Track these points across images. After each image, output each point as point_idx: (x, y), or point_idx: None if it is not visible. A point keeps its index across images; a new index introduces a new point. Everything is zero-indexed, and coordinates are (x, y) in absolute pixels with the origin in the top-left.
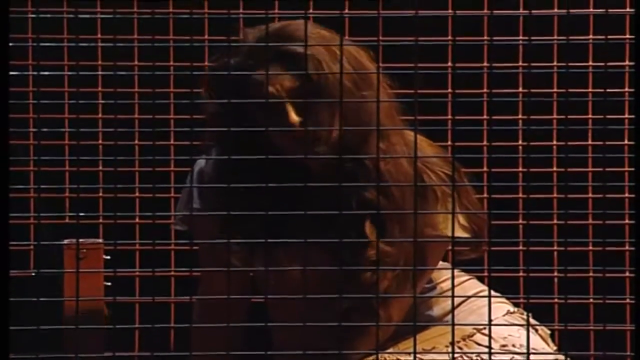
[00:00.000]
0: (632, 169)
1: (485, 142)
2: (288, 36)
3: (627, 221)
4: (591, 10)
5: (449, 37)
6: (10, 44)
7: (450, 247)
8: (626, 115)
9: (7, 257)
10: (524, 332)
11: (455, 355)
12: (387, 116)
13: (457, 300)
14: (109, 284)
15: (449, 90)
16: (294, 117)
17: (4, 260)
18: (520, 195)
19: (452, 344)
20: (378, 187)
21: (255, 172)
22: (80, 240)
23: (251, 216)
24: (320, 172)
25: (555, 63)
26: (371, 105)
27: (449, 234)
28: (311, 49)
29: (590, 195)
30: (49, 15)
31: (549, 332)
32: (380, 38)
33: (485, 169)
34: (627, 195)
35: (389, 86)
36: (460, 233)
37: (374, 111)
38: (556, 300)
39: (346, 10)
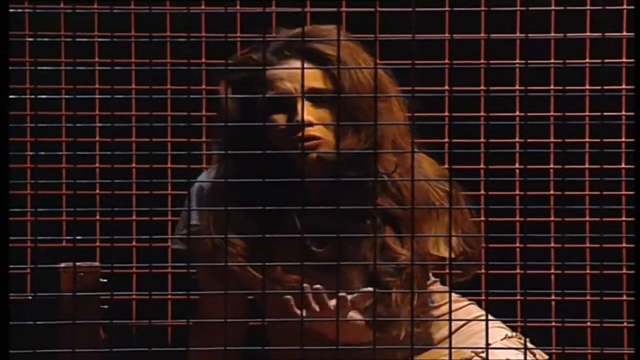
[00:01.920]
0: (630, 192)
1: (482, 165)
2: (317, 37)
3: (624, 245)
4: (588, 34)
5: (446, 60)
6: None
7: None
8: (623, 139)
9: (6, 281)
10: (522, 356)
11: None
12: (402, 135)
13: (456, 324)
14: (106, 307)
15: (446, 113)
16: (304, 116)
17: (3, 283)
18: (517, 218)
19: None
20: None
21: (259, 177)
22: (77, 263)
23: (251, 222)
24: (328, 183)
25: (552, 86)
26: (386, 120)
27: (435, 253)
28: (340, 54)
29: (587, 218)
30: (46, 39)
31: (546, 356)
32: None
33: (482, 191)
34: (624, 218)
35: (404, 108)
36: (445, 253)
37: (390, 128)
38: (553, 323)
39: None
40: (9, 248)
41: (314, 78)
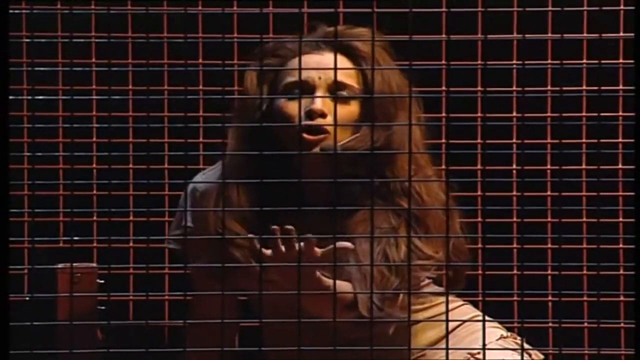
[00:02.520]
0: (626, 193)
1: (479, 166)
2: (349, 35)
3: (621, 245)
4: (585, 34)
5: (443, 62)
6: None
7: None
8: (620, 140)
9: (5, 282)
10: (518, 357)
11: None
12: (418, 143)
13: (450, 326)
14: (103, 308)
15: (443, 114)
16: (318, 105)
17: (3, 284)
18: (514, 219)
19: None
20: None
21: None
22: (74, 264)
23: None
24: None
25: (549, 87)
26: (403, 128)
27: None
28: (375, 53)
29: (584, 219)
30: (43, 40)
31: (542, 356)
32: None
33: (479, 192)
34: (621, 219)
35: (420, 110)
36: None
37: (405, 133)
38: (550, 324)
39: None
40: (8, 249)
41: (343, 72)
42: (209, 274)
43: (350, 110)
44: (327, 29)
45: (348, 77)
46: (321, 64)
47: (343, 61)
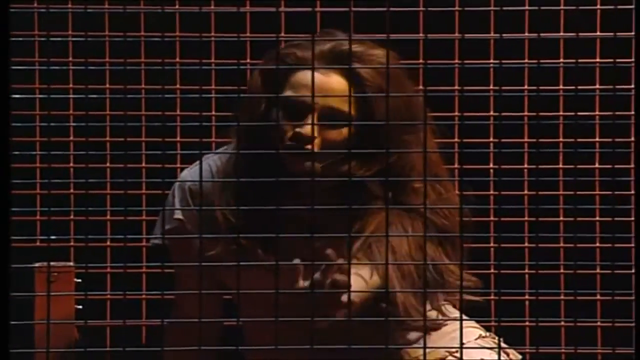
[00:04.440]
0: (603, 192)
1: (456, 165)
2: (364, 56)
3: (598, 244)
4: (562, 34)
5: (420, 61)
6: None
7: None
8: (597, 139)
9: (6, 282)
10: (496, 356)
11: None
12: (437, 164)
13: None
14: (80, 307)
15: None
16: (305, 130)
17: (3, 285)
18: (491, 218)
19: None
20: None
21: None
22: (52, 263)
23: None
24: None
25: (526, 86)
26: (415, 152)
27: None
28: (382, 81)
29: (561, 218)
30: (20, 39)
31: (520, 356)
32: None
33: (456, 191)
34: (597, 218)
35: (435, 135)
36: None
37: (418, 159)
38: (527, 323)
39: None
40: (9, 249)
41: (341, 99)
42: (194, 272)
43: (341, 134)
44: (339, 46)
45: (344, 102)
46: (319, 85)
47: (343, 85)
